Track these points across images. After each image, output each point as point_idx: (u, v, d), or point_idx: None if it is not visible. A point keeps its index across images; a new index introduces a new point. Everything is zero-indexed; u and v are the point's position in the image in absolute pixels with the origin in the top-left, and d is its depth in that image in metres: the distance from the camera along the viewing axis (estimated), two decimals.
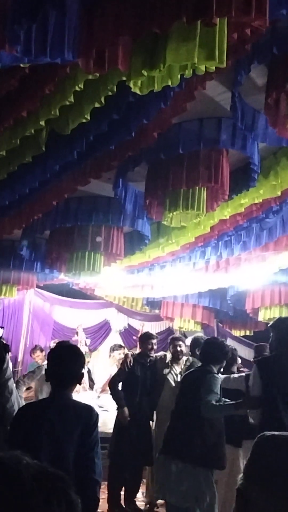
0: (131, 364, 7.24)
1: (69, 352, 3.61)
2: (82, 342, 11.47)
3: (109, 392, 7.62)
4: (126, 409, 6.97)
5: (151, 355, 7.42)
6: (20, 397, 5.44)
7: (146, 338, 7.54)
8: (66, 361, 3.49)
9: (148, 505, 7.25)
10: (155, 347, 7.48)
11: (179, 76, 3.41)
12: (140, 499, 7.39)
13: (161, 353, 7.81)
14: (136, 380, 7.15)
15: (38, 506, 0.99)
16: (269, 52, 3.88)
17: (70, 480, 1.08)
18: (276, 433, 1.43)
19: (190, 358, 7.19)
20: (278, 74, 4.16)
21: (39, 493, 1.00)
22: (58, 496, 1.02)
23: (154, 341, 7.47)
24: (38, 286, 11.35)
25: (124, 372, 7.21)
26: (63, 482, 1.06)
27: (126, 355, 7.55)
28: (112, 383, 7.32)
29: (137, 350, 8.05)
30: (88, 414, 3.41)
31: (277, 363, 4.86)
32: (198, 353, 6.49)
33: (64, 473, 1.08)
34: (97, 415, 3.48)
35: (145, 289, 11.02)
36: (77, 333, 11.46)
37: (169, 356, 7.46)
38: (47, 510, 0.99)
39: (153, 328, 13.39)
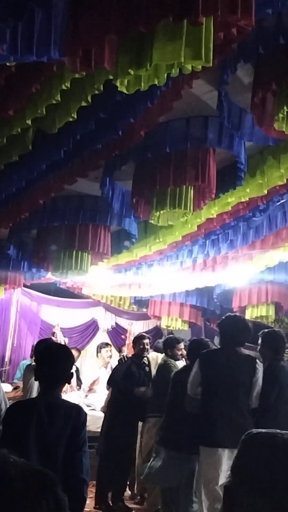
0: (127, 358, 7.30)
1: (59, 352, 3.62)
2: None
3: (107, 386, 7.69)
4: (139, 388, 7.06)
5: (144, 355, 7.46)
6: None
7: (137, 339, 7.59)
8: (56, 361, 3.49)
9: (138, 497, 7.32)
10: (147, 347, 7.50)
11: (165, 75, 3.42)
12: (126, 498, 7.41)
13: (153, 353, 7.85)
14: (131, 381, 7.19)
15: (26, 505, 0.99)
16: (255, 51, 3.90)
17: (57, 479, 1.08)
18: (263, 430, 1.43)
19: (161, 355, 7.28)
20: (264, 73, 4.18)
21: (27, 491, 1.00)
22: (46, 495, 1.02)
23: (146, 341, 7.51)
24: (25, 285, 11.31)
25: (121, 368, 7.28)
26: (50, 481, 1.06)
27: (120, 350, 7.62)
28: (112, 378, 7.36)
29: (125, 349, 8.09)
30: (77, 414, 3.41)
31: (220, 357, 5.31)
32: (169, 353, 7.04)
33: (52, 472, 1.09)
34: (85, 414, 3.49)
35: (132, 288, 11.01)
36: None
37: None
38: (35, 508, 0.99)
39: (141, 327, 13.41)
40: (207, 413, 5.24)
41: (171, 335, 8.43)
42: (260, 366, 5.34)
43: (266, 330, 6.15)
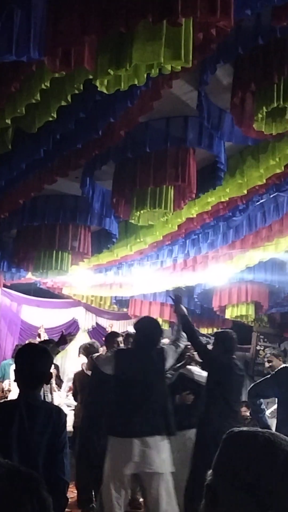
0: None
1: (37, 352, 3.60)
2: None
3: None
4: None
5: None
6: None
7: (112, 336, 7.55)
8: (34, 361, 3.47)
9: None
10: (121, 345, 7.48)
11: (145, 75, 3.42)
12: None
13: None
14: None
15: (10, 505, 0.98)
16: (235, 52, 3.93)
17: (42, 480, 1.08)
18: (244, 428, 1.44)
19: None
20: (243, 74, 4.21)
21: (11, 492, 1.00)
22: (30, 495, 1.02)
23: (120, 339, 7.48)
24: (5, 286, 11.25)
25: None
26: (35, 482, 1.06)
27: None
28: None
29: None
30: (57, 415, 3.41)
31: (131, 355, 5.63)
32: None
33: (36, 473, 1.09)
34: (65, 416, 3.49)
35: (113, 288, 11.01)
36: (39, 334, 11.33)
37: None
38: (19, 508, 0.99)
39: (122, 326, 13.40)
40: (117, 405, 5.48)
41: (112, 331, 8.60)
42: (170, 349, 5.64)
43: (219, 330, 6.65)
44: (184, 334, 5.88)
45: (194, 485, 5.47)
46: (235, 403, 5.76)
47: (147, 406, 5.31)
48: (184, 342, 5.90)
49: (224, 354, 5.86)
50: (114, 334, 7.63)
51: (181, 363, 6.38)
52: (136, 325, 5.96)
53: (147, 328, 5.68)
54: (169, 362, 5.64)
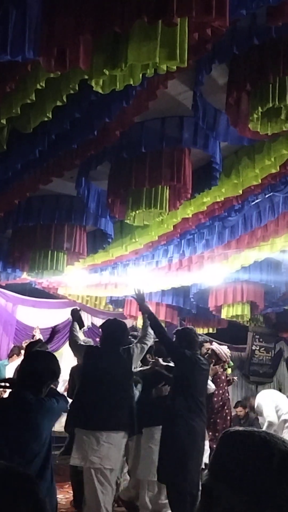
0: None
1: (46, 359, 3.68)
2: None
3: None
4: None
5: None
6: None
7: None
8: (39, 368, 3.53)
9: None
10: None
11: (140, 75, 3.42)
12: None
13: None
14: None
15: (5, 506, 0.98)
16: (230, 52, 3.93)
17: (37, 481, 1.08)
18: (240, 428, 1.44)
19: None
20: (238, 74, 4.21)
21: (5, 492, 0.99)
22: (25, 496, 1.02)
23: None
24: (0, 286, 11.21)
25: None
26: (30, 482, 1.05)
27: None
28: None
29: None
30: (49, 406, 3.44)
31: (101, 353, 5.82)
32: None
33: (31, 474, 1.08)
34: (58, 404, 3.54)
35: (108, 288, 11.00)
36: (33, 336, 11.30)
37: None
38: (14, 510, 0.99)
39: None
40: (81, 398, 5.74)
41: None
42: (135, 347, 5.84)
43: (180, 328, 6.82)
44: (151, 331, 6.01)
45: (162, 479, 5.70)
46: (201, 398, 5.88)
47: (108, 402, 5.47)
48: (151, 340, 6.06)
49: (189, 350, 5.96)
50: None
51: (147, 367, 6.58)
52: (102, 326, 6.25)
53: (112, 328, 5.93)
54: (135, 360, 5.85)
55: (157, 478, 5.74)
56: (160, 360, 6.58)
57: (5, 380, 3.99)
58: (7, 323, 12.37)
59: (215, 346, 7.60)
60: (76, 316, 6.31)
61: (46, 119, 4.03)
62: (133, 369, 5.95)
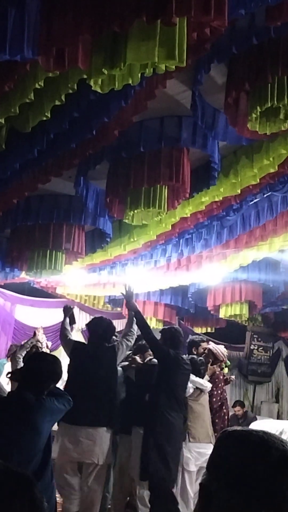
0: None
1: (49, 363, 3.69)
2: (43, 344, 11.31)
3: None
4: None
5: None
6: None
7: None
8: (43, 369, 3.54)
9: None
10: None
11: (139, 74, 3.42)
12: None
13: None
14: None
15: (2, 505, 0.98)
16: (229, 52, 3.93)
17: (35, 480, 1.08)
18: (238, 428, 1.45)
19: None
20: (237, 73, 4.21)
21: (4, 492, 0.99)
22: (21, 495, 1.02)
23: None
24: None
25: None
26: (27, 482, 1.05)
27: None
28: None
29: None
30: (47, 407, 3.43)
31: (87, 350, 6.16)
32: (194, 352, 7.27)
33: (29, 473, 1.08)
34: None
35: (107, 287, 11.00)
36: (34, 334, 11.28)
37: None
38: (9, 509, 0.99)
39: (116, 326, 13.36)
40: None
41: None
42: (119, 345, 6.13)
43: (166, 327, 6.99)
44: (135, 328, 6.26)
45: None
46: (180, 397, 6.06)
47: (90, 397, 5.69)
48: (133, 337, 6.30)
49: (173, 350, 6.16)
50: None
51: (126, 364, 6.70)
52: (88, 324, 6.59)
53: (97, 326, 6.25)
54: (120, 356, 6.11)
55: (140, 477, 5.85)
56: (137, 357, 6.74)
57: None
58: (5, 323, 12.36)
59: (212, 345, 7.59)
60: (68, 312, 6.53)
61: (44, 118, 4.03)
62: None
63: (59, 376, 3.81)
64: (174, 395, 5.94)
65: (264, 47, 3.96)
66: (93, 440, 5.63)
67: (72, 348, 6.20)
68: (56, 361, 3.84)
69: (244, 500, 1.30)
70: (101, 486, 5.79)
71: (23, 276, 9.55)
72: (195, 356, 7.02)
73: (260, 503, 1.29)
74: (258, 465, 1.32)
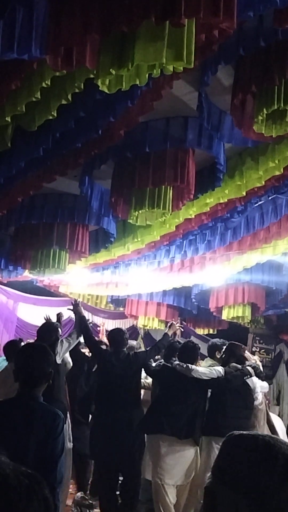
0: None
1: (38, 351, 3.59)
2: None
3: None
4: None
5: None
6: None
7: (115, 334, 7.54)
8: (35, 360, 3.46)
9: None
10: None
11: (147, 75, 3.42)
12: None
13: None
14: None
15: (20, 502, 0.99)
16: (236, 53, 3.93)
17: (44, 481, 1.08)
18: (244, 432, 1.44)
19: None
20: (244, 75, 4.21)
21: (20, 489, 1.00)
22: (37, 494, 1.02)
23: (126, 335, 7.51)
24: (1, 283, 11.21)
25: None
26: (39, 481, 1.06)
27: None
28: None
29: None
30: (52, 420, 3.37)
31: (111, 357, 6.69)
32: (217, 356, 7.28)
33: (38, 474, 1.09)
34: (61, 420, 3.43)
35: (109, 287, 11.00)
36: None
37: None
38: (28, 506, 1.00)
39: (117, 325, 13.38)
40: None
41: None
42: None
43: (113, 329, 7.58)
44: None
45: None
46: (125, 390, 6.59)
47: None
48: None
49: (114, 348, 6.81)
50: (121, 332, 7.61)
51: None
52: (109, 335, 7.17)
53: (118, 336, 6.84)
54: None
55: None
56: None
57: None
58: (8, 320, 12.38)
59: (256, 357, 7.69)
60: (60, 319, 7.57)
61: (51, 117, 4.03)
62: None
63: (52, 364, 3.65)
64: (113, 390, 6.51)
65: (271, 49, 3.95)
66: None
67: (99, 359, 6.93)
68: (43, 353, 3.65)
69: (250, 504, 1.29)
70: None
71: (26, 275, 9.56)
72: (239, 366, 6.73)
73: (266, 507, 1.29)
74: (264, 469, 1.32)
